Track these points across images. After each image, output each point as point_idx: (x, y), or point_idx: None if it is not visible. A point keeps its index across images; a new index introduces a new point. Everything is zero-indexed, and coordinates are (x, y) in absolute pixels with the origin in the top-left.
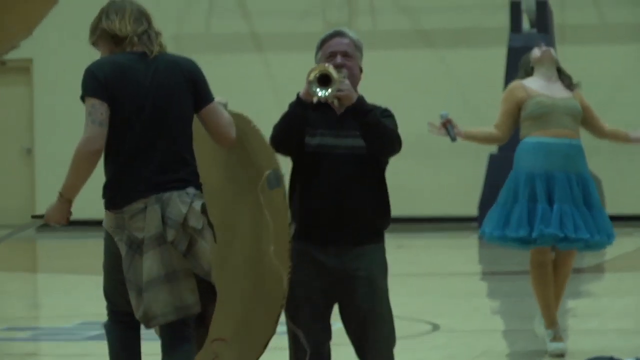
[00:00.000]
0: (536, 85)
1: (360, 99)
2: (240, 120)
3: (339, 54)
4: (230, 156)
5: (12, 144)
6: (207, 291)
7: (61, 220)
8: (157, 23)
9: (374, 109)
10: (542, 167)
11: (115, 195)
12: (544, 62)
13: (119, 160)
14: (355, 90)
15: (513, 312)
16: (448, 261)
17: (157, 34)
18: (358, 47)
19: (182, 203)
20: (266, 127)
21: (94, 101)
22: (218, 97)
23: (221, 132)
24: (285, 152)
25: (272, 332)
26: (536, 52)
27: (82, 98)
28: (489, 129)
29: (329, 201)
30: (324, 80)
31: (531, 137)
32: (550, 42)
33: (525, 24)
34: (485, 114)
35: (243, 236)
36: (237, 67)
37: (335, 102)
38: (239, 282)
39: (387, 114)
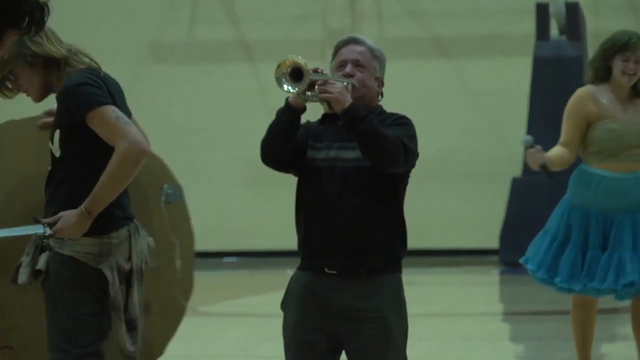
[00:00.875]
0: (608, 98)
1: (354, 105)
2: None
3: (350, 62)
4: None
5: None
6: None
7: (77, 237)
8: (134, 29)
9: (368, 115)
10: (600, 205)
11: (103, 219)
12: (622, 84)
13: None
14: (372, 106)
15: (539, 358)
16: (465, 300)
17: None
18: (376, 57)
19: (146, 237)
20: (257, 148)
21: (112, 107)
22: None
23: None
24: (280, 168)
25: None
26: (619, 66)
27: (84, 114)
28: (561, 151)
29: (334, 220)
30: (296, 75)
31: (592, 167)
32: (582, 51)
33: (554, 30)
34: (506, 133)
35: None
36: (224, 79)
37: (325, 106)
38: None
39: (400, 121)
